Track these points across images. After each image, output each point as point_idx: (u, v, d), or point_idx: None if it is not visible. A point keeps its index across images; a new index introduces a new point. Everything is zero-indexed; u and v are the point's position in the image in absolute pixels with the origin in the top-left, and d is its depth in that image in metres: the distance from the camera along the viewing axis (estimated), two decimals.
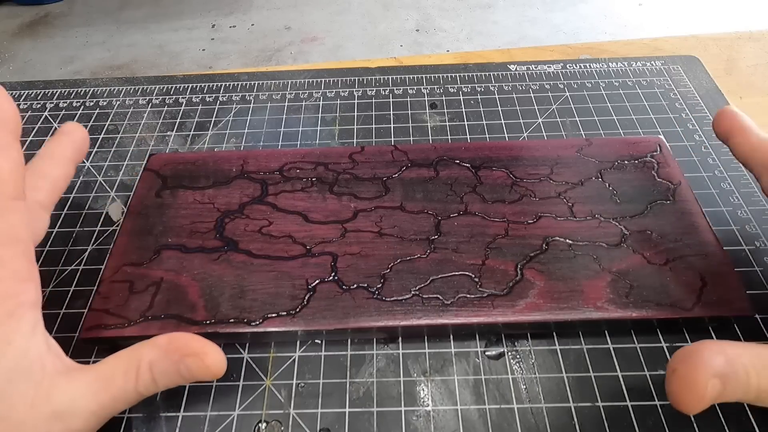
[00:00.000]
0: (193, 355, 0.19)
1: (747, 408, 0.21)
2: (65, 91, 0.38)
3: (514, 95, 0.36)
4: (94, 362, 0.23)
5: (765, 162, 0.23)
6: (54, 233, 0.29)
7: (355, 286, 0.23)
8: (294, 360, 0.23)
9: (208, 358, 0.19)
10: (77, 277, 0.26)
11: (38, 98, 0.37)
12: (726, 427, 0.21)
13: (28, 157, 0.33)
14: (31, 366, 0.17)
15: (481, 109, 0.35)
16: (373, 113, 0.35)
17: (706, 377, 0.16)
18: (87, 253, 0.27)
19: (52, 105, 0.37)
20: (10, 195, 0.17)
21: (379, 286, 0.23)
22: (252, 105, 0.36)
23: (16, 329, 0.17)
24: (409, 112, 0.35)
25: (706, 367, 0.17)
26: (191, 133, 0.34)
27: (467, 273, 0.24)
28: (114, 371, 0.19)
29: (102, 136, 0.34)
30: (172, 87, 0.38)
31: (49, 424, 0.17)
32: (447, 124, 0.34)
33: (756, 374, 0.17)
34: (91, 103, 0.37)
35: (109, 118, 0.35)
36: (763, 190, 0.24)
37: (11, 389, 0.17)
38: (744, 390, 0.17)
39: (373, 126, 0.34)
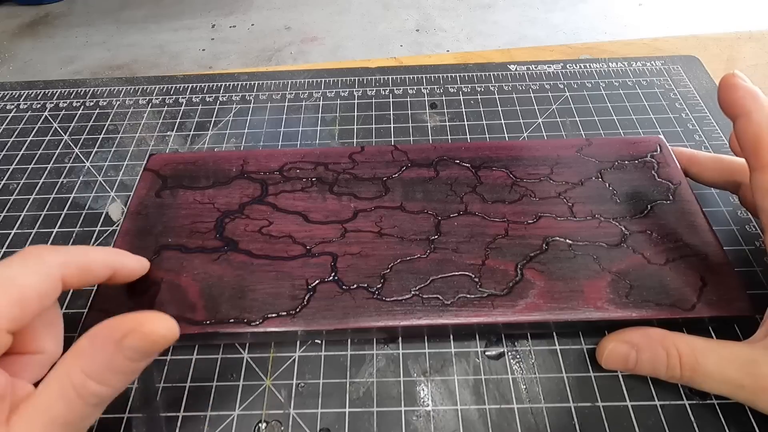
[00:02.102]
0: (128, 332, 0.16)
1: (747, 408, 0.21)
2: (65, 91, 0.38)
3: (514, 95, 0.36)
4: None
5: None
6: (54, 233, 0.29)
7: (355, 286, 0.23)
8: (294, 360, 0.23)
9: (146, 326, 0.16)
10: None
11: (38, 98, 0.37)
12: (726, 427, 0.21)
13: (29, 158, 0.33)
14: None
15: (481, 109, 0.35)
16: (373, 113, 0.35)
17: (614, 338, 0.21)
18: None
19: (52, 105, 0.37)
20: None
21: (379, 286, 0.23)
22: (252, 105, 0.36)
23: None
24: (409, 112, 0.35)
25: (617, 333, 0.22)
26: (191, 133, 0.34)
27: (467, 273, 0.24)
28: (50, 399, 0.16)
29: (102, 136, 0.34)
30: (172, 87, 0.38)
31: None
32: (447, 124, 0.34)
33: (690, 359, 0.20)
34: (91, 103, 0.37)
35: (109, 118, 0.35)
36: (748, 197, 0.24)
37: None
38: (663, 366, 0.20)
39: (373, 126, 0.34)
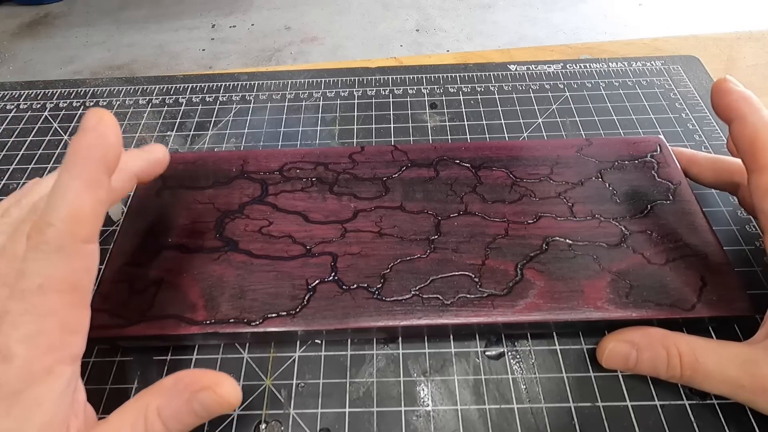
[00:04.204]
0: (204, 388, 0.17)
1: (747, 408, 0.21)
2: (65, 91, 0.38)
3: (514, 95, 0.36)
4: (94, 362, 0.23)
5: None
6: None
7: (355, 286, 0.23)
8: (294, 360, 0.23)
9: (221, 389, 0.18)
10: None
11: (38, 98, 0.37)
12: (726, 427, 0.21)
13: (29, 158, 0.33)
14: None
15: (481, 109, 0.35)
16: (373, 113, 0.35)
17: (614, 338, 0.22)
18: None
19: (52, 105, 0.37)
20: (83, 238, 0.16)
21: (379, 286, 0.23)
22: (252, 105, 0.36)
23: (50, 389, 0.16)
24: (409, 112, 0.35)
25: (619, 333, 0.22)
26: (191, 133, 0.34)
27: (467, 273, 0.24)
28: (121, 426, 0.17)
29: None
30: (172, 87, 0.38)
31: None
32: (447, 124, 0.34)
33: (691, 359, 0.20)
34: (91, 103, 0.37)
35: None
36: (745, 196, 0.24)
37: None
38: (663, 365, 0.20)
39: (373, 126, 0.34)
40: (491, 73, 0.38)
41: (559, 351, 0.23)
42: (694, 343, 0.20)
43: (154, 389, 0.18)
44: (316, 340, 0.24)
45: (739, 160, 0.23)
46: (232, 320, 0.22)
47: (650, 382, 0.22)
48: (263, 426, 0.21)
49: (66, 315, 0.16)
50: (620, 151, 0.29)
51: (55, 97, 0.37)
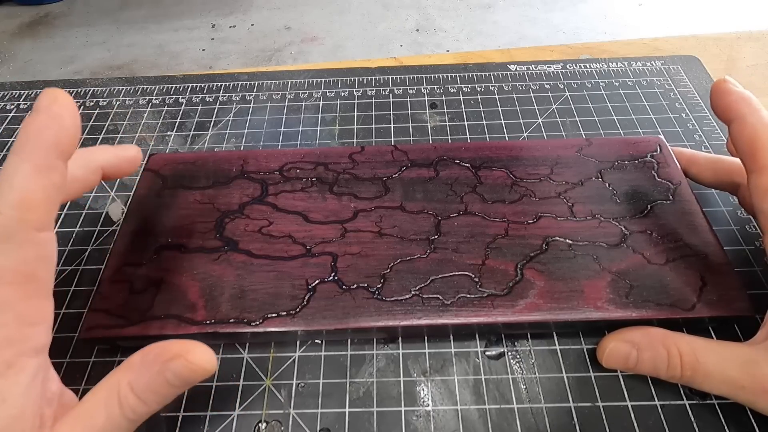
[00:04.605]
0: (175, 357, 0.17)
1: (747, 408, 0.21)
2: (65, 91, 0.38)
3: (514, 95, 0.36)
4: (94, 362, 0.23)
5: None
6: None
7: (355, 286, 0.23)
8: (294, 360, 0.23)
9: (192, 356, 0.17)
10: (77, 277, 0.26)
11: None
12: (726, 427, 0.21)
13: None
14: (22, 428, 0.16)
15: (481, 109, 0.35)
16: (373, 113, 0.35)
17: (615, 338, 0.21)
18: (87, 253, 0.27)
19: None
20: (35, 225, 0.16)
21: (379, 286, 0.23)
22: (252, 105, 0.36)
23: (14, 383, 0.16)
24: (409, 112, 0.35)
25: (618, 332, 0.22)
26: (191, 133, 0.34)
27: (467, 273, 0.24)
28: (94, 407, 0.17)
29: (102, 136, 0.34)
30: (172, 87, 0.38)
31: None
32: (447, 124, 0.34)
33: (691, 359, 0.20)
34: (91, 103, 0.37)
35: (109, 118, 0.35)
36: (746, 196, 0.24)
37: None
38: (664, 365, 0.20)
39: (373, 126, 0.34)
40: (491, 73, 0.38)
41: (559, 351, 0.23)
42: (695, 343, 0.20)
43: (123, 366, 0.18)
44: (316, 340, 0.24)
45: (738, 161, 0.23)
46: (232, 320, 0.22)
47: (650, 382, 0.22)
48: (263, 426, 0.21)
49: (22, 307, 0.16)
50: (620, 151, 0.29)
51: None
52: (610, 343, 0.21)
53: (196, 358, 0.17)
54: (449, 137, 0.33)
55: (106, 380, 0.18)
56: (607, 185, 0.27)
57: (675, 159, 0.28)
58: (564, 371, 0.22)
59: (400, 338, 0.24)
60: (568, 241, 0.25)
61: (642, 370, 0.21)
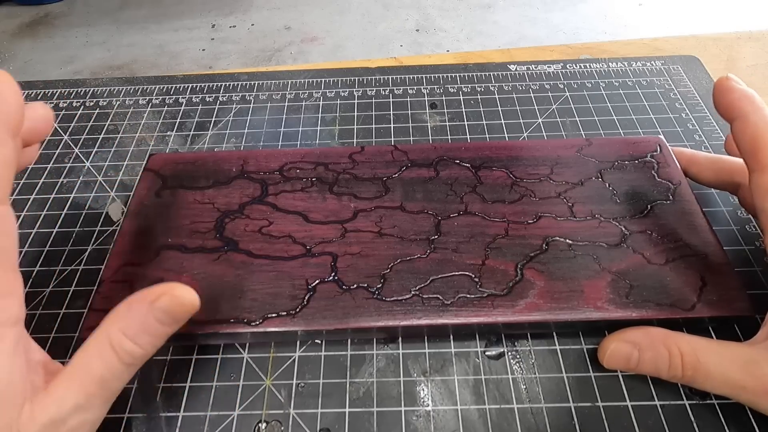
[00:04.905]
0: (161, 295, 0.18)
1: (747, 408, 0.21)
2: (65, 91, 0.38)
3: (514, 95, 0.36)
4: None
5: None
6: (54, 233, 0.29)
7: (355, 286, 0.23)
8: (294, 360, 0.23)
9: (176, 290, 0.18)
10: (77, 277, 0.26)
11: (38, 98, 0.37)
12: (726, 427, 0.21)
13: None
14: (14, 392, 0.16)
15: (481, 109, 0.35)
16: (373, 113, 0.35)
17: (616, 338, 0.21)
18: (87, 253, 0.27)
19: (52, 105, 0.37)
20: None
21: (379, 286, 0.23)
22: (252, 105, 0.36)
23: None
24: (409, 112, 0.35)
25: (619, 333, 0.22)
26: (191, 133, 0.34)
27: (467, 273, 0.24)
28: (88, 359, 0.18)
29: (102, 136, 0.34)
30: (172, 87, 0.38)
31: None
32: (447, 124, 0.34)
33: (692, 359, 0.20)
34: (91, 103, 0.37)
35: (109, 118, 0.35)
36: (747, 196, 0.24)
37: None
38: (665, 366, 0.20)
39: (373, 126, 0.34)
40: (491, 73, 0.38)
41: (559, 351, 0.23)
42: (696, 343, 0.20)
43: (110, 317, 0.18)
44: (316, 340, 0.24)
45: (739, 160, 0.23)
46: (232, 320, 0.22)
47: (650, 382, 0.22)
48: (263, 426, 0.21)
49: None
50: (620, 151, 0.29)
51: (55, 97, 0.37)
52: (611, 343, 0.21)
53: (180, 293, 0.18)
54: (449, 137, 0.33)
55: (95, 335, 0.18)
56: (607, 185, 0.27)
57: (675, 159, 0.28)
58: (564, 371, 0.22)
59: (400, 338, 0.24)
60: (568, 241, 0.25)
61: (643, 371, 0.21)
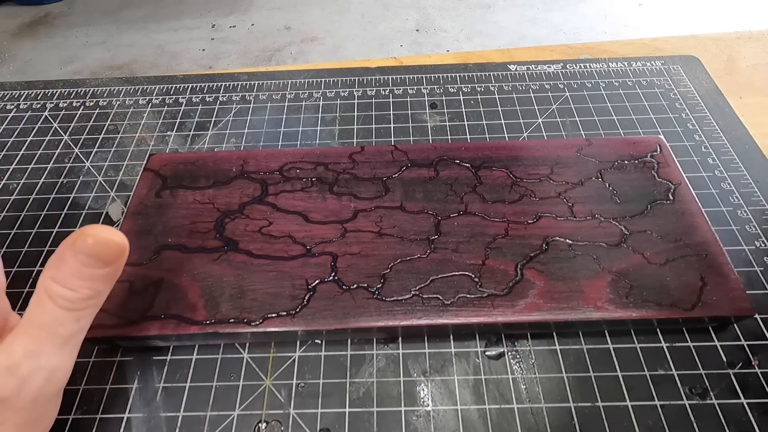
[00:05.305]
0: (78, 237, 0.18)
1: (747, 408, 0.21)
2: (65, 91, 0.38)
3: (514, 95, 0.36)
4: (94, 362, 0.23)
5: None
6: (54, 233, 0.29)
7: (355, 286, 0.23)
8: (294, 360, 0.23)
9: (91, 230, 0.18)
10: None
11: (38, 98, 0.37)
12: (726, 427, 0.21)
13: (29, 158, 0.33)
14: None
15: (481, 109, 0.35)
16: (373, 113, 0.35)
17: None
18: None
19: (52, 105, 0.37)
20: None
21: (379, 286, 0.23)
22: (252, 105, 0.36)
23: None
24: (409, 112, 0.35)
25: None
26: (191, 133, 0.34)
27: (467, 273, 0.24)
28: (29, 309, 0.18)
29: (102, 136, 0.34)
30: (172, 87, 0.38)
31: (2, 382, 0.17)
32: (447, 124, 0.34)
33: None
34: (91, 103, 0.37)
35: (109, 118, 0.35)
36: None
37: None
38: None
39: (373, 126, 0.34)
40: (491, 73, 0.38)
41: (559, 351, 0.23)
42: None
43: (44, 269, 0.19)
44: (316, 340, 0.24)
45: None
46: (232, 320, 0.22)
47: (650, 382, 0.22)
48: (263, 426, 0.21)
49: None
50: (620, 151, 0.29)
51: (55, 97, 0.37)
52: None
53: (95, 232, 0.18)
54: (449, 137, 0.33)
55: (35, 289, 0.19)
56: (607, 185, 0.27)
57: (675, 159, 0.28)
58: (564, 371, 0.22)
59: (400, 338, 0.24)
60: (568, 241, 0.25)
61: None
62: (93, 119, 0.35)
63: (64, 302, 0.18)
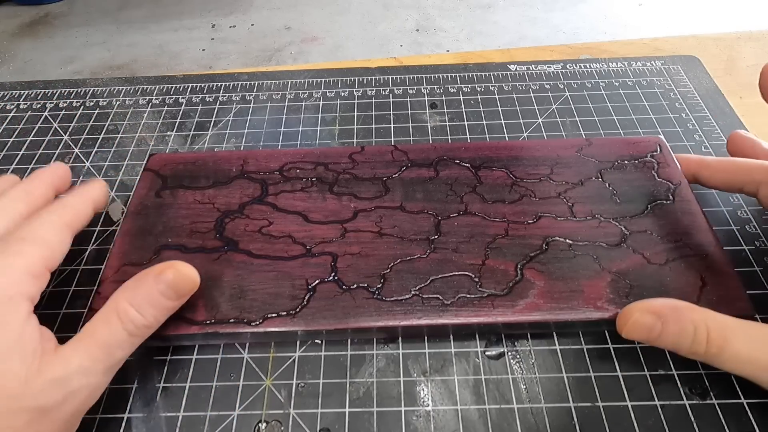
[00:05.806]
0: (166, 269, 0.20)
1: (747, 408, 0.21)
2: (65, 91, 0.38)
3: (514, 95, 0.36)
4: None
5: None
6: None
7: (355, 286, 0.23)
8: (294, 360, 0.23)
9: (178, 265, 0.20)
10: (77, 277, 0.26)
11: (38, 98, 0.37)
12: (726, 427, 0.21)
13: (29, 158, 0.33)
14: (24, 347, 0.18)
15: (481, 109, 0.35)
16: (373, 113, 0.35)
17: (640, 308, 0.20)
18: (87, 253, 0.27)
19: (52, 105, 0.37)
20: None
21: (379, 286, 0.23)
22: (252, 105, 0.36)
23: (13, 312, 0.18)
24: (409, 112, 0.35)
25: (643, 303, 0.21)
26: (191, 133, 0.34)
27: (467, 273, 0.24)
28: (95, 326, 0.19)
29: (102, 136, 0.34)
30: (172, 87, 0.38)
31: (47, 393, 0.18)
32: (447, 124, 0.34)
33: (719, 336, 0.19)
34: (91, 103, 0.37)
35: (109, 118, 0.35)
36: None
37: (4, 367, 0.17)
38: (688, 341, 0.20)
39: (373, 126, 0.34)
40: (491, 73, 0.38)
41: (559, 351, 0.23)
42: (725, 321, 0.20)
43: (119, 290, 0.20)
44: (316, 340, 0.24)
45: (755, 160, 0.23)
46: (232, 320, 0.22)
47: (650, 382, 0.22)
48: (263, 426, 0.21)
49: (31, 259, 0.20)
50: (620, 151, 0.29)
51: (55, 97, 0.37)
52: (634, 313, 0.20)
53: (181, 267, 0.21)
54: (449, 137, 0.33)
55: (105, 305, 0.20)
56: (607, 185, 0.27)
57: (675, 159, 0.28)
58: (564, 371, 0.22)
59: (400, 338, 0.24)
60: (568, 241, 0.25)
61: (662, 344, 0.20)
62: (93, 119, 0.35)
63: (132, 326, 0.19)
